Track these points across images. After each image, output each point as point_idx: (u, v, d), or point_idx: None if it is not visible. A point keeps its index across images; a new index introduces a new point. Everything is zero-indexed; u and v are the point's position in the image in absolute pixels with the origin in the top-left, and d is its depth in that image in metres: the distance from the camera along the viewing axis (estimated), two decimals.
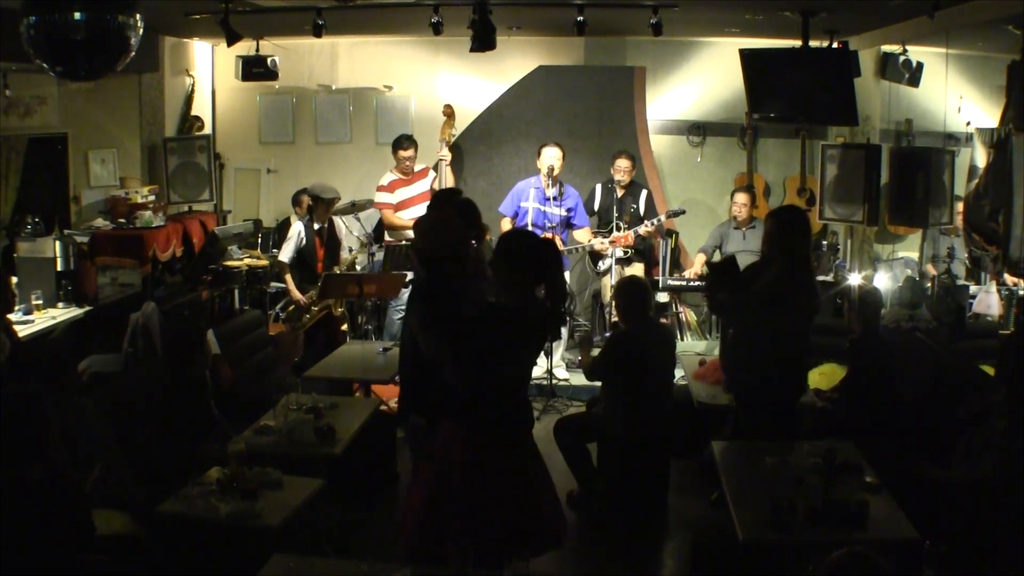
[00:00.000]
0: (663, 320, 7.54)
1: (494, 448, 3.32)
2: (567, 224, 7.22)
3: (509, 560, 3.14)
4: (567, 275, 7.14)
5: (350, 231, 7.30)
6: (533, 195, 7.14)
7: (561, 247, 7.05)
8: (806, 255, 4.71)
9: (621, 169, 7.39)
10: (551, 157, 7.12)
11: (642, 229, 7.17)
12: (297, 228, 7.05)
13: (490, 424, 3.31)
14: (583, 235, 7.31)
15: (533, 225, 7.03)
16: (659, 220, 7.29)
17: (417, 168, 7.72)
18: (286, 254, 7.01)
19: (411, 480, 3.79)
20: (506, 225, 7.17)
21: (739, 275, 4.71)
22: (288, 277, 7.03)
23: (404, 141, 7.67)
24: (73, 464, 3.86)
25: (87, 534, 3.39)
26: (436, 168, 7.73)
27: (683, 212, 7.39)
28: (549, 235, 6.92)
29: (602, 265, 7.31)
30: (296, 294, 7.04)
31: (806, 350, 4.82)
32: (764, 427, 4.52)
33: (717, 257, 7.60)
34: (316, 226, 7.01)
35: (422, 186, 7.60)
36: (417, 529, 3.38)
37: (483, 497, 3.28)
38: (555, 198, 7.05)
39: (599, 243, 7.15)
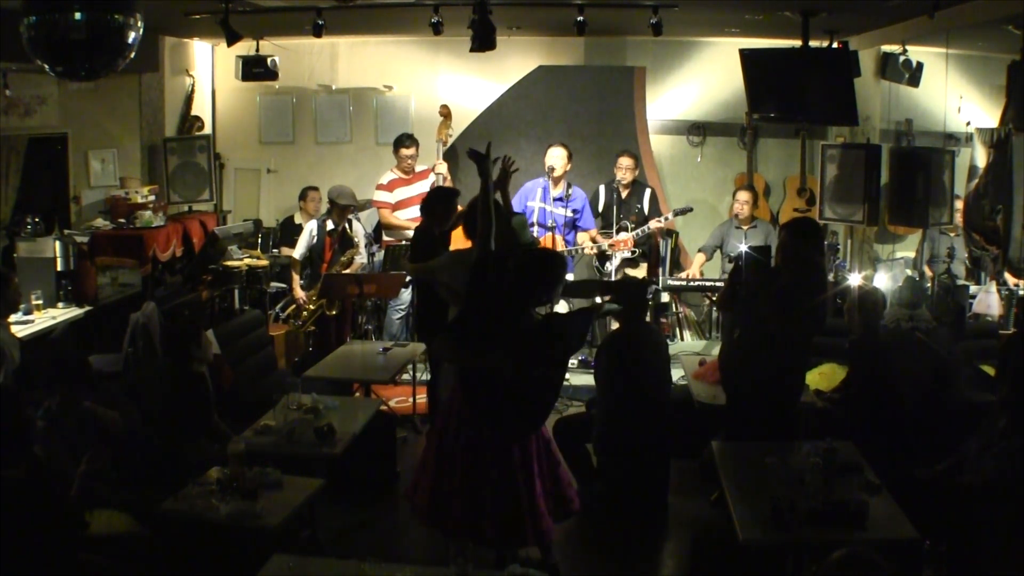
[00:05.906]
0: (662, 320, 7.56)
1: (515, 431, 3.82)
2: (572, 225, 7.22)
3: (514, 553, 3.25)
4: (569, 276, 7.24)
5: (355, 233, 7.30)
6: (540, 194, 7.16)
7: (564, 248, 7.07)
8: (819, 267, 4.71)
9: (624, 167, 7.40)
10: (552, 157, 7.15)
11: (653, 224, 7.21)
12: (310, 226, 7.09)
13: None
14: (587, 238, 7.34)
15: (537, 224, 7.04)
16: (667, 218, 7.31)
17: (419, 168, 7.72)
18: (299, 251, 7.06)
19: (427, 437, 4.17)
20: None
21: (769, 266, 4.73)
22: (295, 274, 7.07)
23: (406, 140, 7.67)
24: (74, 465, 3.85)
25: (77, 533, 3.38)
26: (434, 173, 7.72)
27: (691, 210, 7.43)
28: (550, 235, 6.93)
29: (609, 266, 7.32)
30: (298, 292, 7.05)
31: (805, 361, 4.82)
32: (754, 431, 4.52)
33: (717, 257, 7.63)
34: (330, 226, 7.03)
35: (422, 187, 7.56)
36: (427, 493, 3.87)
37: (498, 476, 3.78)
38: (561, 199, 7.06)
39: (592, 248, 7.18)
